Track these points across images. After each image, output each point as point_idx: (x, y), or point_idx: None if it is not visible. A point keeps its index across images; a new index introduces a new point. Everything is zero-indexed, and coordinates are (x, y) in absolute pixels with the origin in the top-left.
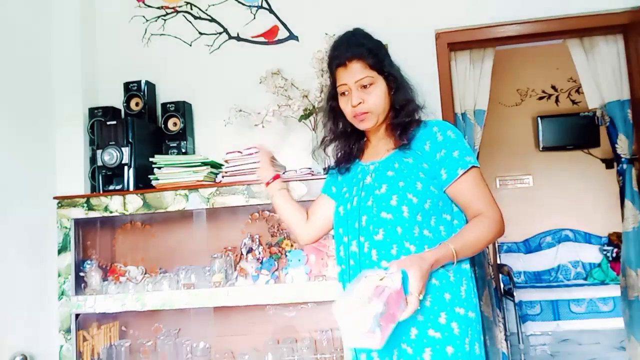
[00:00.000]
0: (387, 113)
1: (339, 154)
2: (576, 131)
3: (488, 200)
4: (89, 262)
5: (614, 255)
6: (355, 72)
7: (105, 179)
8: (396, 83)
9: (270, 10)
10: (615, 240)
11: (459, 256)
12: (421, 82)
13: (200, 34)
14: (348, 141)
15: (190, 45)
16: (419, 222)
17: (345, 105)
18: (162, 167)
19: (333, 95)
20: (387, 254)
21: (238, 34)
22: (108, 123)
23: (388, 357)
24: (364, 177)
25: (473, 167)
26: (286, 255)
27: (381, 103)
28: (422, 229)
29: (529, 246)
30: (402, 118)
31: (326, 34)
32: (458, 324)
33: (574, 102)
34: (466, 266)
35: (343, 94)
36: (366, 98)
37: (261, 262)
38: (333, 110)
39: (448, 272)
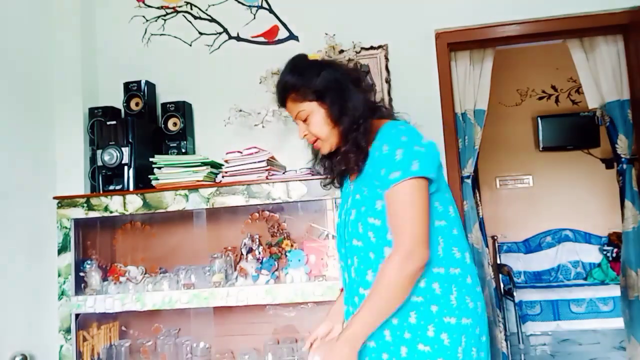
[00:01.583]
0: (338, 131)
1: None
2: (576, 131)
3: (399, 227)
4: (89, 262)
5: (614, 255)
6: (292, 109)
7: (105, 179)
8: (331, 104)
9: (270, 10)
10: (615, 240)
11: (366, 332)
12: (421, 82)
13: (200, 34)
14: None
15: (190, 45)
16: (388, 242)
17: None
18: (162, 167)
19: None
20: (362, 280)
21: (238, 34)
22: (108, 123)
23: None
24: (347, 200)
25: (397, 184)
26: (286, 255)
27: (324, 129)
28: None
29: (529, 246)
30: (346, 151)
31: (326, 34)
32: (449, 334)
33: (574, 102)
34: (455, 270)
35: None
36: (309, 129)
37: (261, 262)
38: None
39: (433, 285)
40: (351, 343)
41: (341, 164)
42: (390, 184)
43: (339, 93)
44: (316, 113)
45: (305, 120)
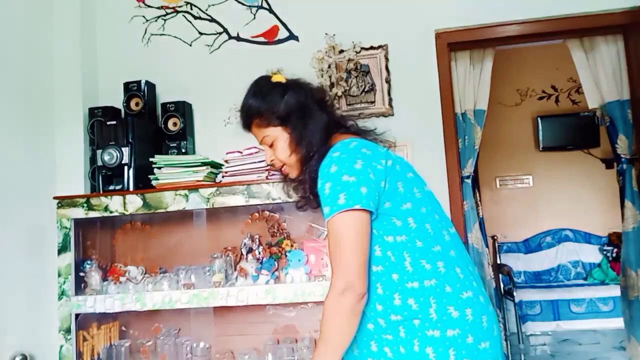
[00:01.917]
0: (301, 154)
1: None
2: (576, 131)
3: (334, 265)
4: (89, 262)
5: (614, 255)
6: (256, 135)
7: (105, 179)
8: (293, 128)
9: (270, 10)
10: (615, 240)
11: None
12: (421, 82)
13: (200, 34)
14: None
15: (190, 45)
16: (380, 272)
17: None
18: (162, 167)
19: None
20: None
21: (238, 34)
22: (108, 123)
23: None
24: None
25: (328, 221)
26: (286, 255)
27: (288, 154)
28: (389, 274)
29: (529, 246)
30: (302, 180)
31: (326, 34)
32: (433, 348)
33: (574, 102)
34: (430, 282)
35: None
36: (274, 154)
37: (261, 262)
38: None
39: (408, 301)
40: None
41: (298, 192)
42: (326, 218)
43: (301, 117)
44: (281, 138)
45: (271, 145)
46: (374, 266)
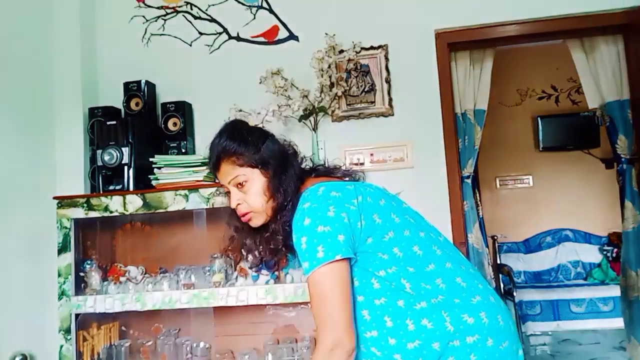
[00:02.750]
0: (272, 206)
1: (262, 252)
2: (576, 131)
3: (319, 321)
4: (89, 262)
5: (614, 255)
6: (226, 174)
7: (105, 179)
8: (272, 174)
9: (270, 10)
10: (615, 240)
11: None
12: (421, 82)
13: (200, 34)
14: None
15: (190, 45)
16: (379, 315)
17: (232, 205)
18: (162, 167)
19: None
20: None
21: (238, 34)
22: (108, 123)
23: None
24: None
25: (308, 277)
26: (286, 256)
27: (261, 200)
28: (384, 312)
29: (529, 246)
30: (275, 230)
31: (326, 34)
32: (455, 356)
33: (574, 102)
34: (437, 300)
35: (227, 193)
36: (244, 197)
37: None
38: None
39: (422, 322)
40: None
41: (269, 242)
42: (306, 274)
43: (280, 165)
44: (256, 181)
45: (240, 187)
46: (376, 300)
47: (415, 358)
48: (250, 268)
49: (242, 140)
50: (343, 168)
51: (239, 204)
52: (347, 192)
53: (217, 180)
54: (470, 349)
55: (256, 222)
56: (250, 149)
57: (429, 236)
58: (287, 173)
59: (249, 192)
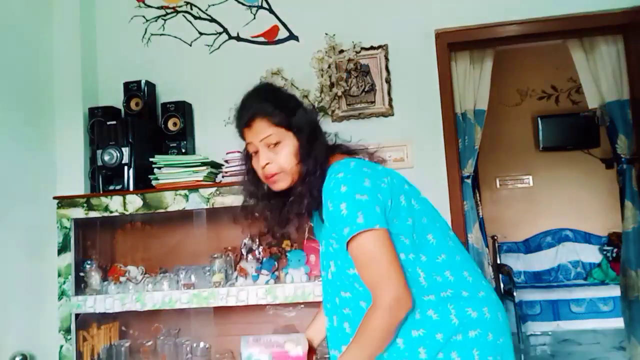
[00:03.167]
0: (300, 170)
1: (271, 220)
2: (576, 131)
3: (371, 282)
4: (89, 262)
5: (614, 255)
6: (260, 131)
7: (105, 179)
8: (305, 139)
9: (270, 10)
10: (615, 240)
11: None
12: (421, 82)
13: (200, 34)
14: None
15: (190, 45)
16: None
17: (256, 166)
18: (162, 167)
19: (247, 155)
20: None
21: (238, 34)
22: (108, 123)
23: None
24: (320, 239)
25: (350, 241)
26: (286, 256)
27: (291, 162)
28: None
29: (529, 246)
30: (301, 193)
31: (326, 34)
32: (458, 351)
33: (574, 102)
34: (446, 293)
35: (254, 153)
36: (274, 158)
37: (261, 262)
38: (251, 171)
39: (428, 313)
40: None
41: (293, 206)
42: (344, 240)
43: (312, 132)
44: (289, 143)
45: (271, 147)
46: None
47: (417, 346)
48: (259, 237)
49: (280, 101)
50: (367, 150)
51: (268, 164)
52: (377, 169)
53: (245, 140)
54: (472, 343)
55: (281, 184)
56: (286, 112)
57: (442, 227)
58: (318, 141)
59: (281, 153)
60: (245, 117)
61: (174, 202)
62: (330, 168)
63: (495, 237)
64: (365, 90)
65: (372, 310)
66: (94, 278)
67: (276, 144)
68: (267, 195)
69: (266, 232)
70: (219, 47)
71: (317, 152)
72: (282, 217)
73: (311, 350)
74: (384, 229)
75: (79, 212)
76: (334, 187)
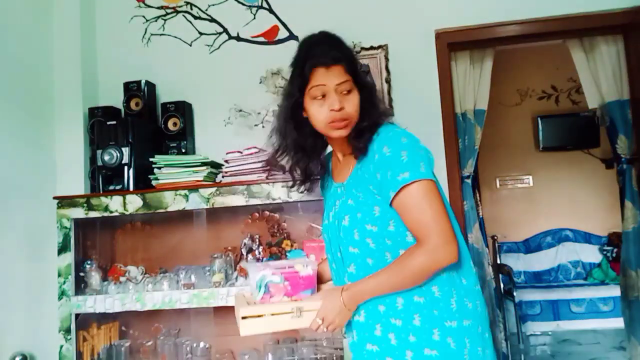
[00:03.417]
0: (366, 121)
1: (300, 171)
2: (576, 131)
3: (425, 224)
4: (89, 262)
5: (614, 255)
6: (337, 75)
7: (105, 179)
8: (368, 93)
9: (270, 10)
10: (615, 240)
11: (371, 295)
12: (421, 82)
13: (200, 34)
14: (310, 155)
15: (190, 45)
16: (389, 246)
17: (318, 109)
18: (162, 167)
19: (297, 99)
20: None
21: (238, 34)
22: (108, 123)
23: None
24: (334, 202)
25: (407, 185)
26: (286, 256)
27: (357, 111)
28: (396, 249)
29: (529, 246)
30: (364, 126)
31: None
32: (453, 338)
33: (574, 102)
34: (453, 273)
35: (320, 97)
36: (346, 105)
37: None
38: (295, 117)
39: (432, 288)
40: (353, 299)
41: (357, 141)
42: (399, 184)
43: (371, 92)
44: (355, 95)
45: (343, 94)
46: (401, 250)
47: (414, 312)
48: (292, 186)
49: (351, 52)
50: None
51: (342, 108)
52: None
53: (310, 80)
54: (465, 332)
55: (345, 132)
56: (358, 66)
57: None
58: (377, 101)
59: (351, 102)
60: (326, 57)
61: (174, 202)
62: (383, 127)
63: (495, 237)
64: None
65: (416, 248)
66: (94, 278)
67: (348, 92)
68: (305, 146)
69: (304, 178)
70: (219, 47)
71: (376, 111)
72: (314, 165)
73: (319, 282)
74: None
75: (79, 212)
76: (394, 137)
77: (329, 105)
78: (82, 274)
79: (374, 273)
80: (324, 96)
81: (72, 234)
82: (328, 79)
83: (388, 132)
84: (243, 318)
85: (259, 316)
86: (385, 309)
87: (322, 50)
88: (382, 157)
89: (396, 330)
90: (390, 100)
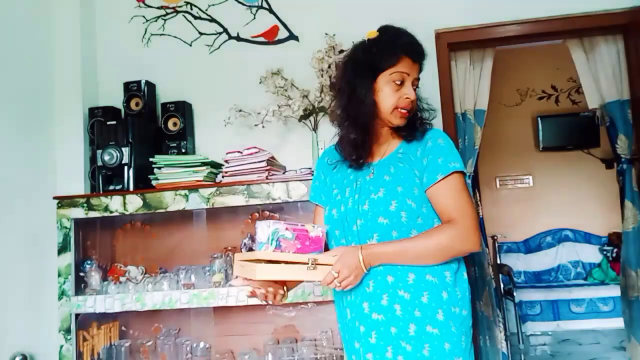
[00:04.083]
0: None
1: (349, 148)
2: (576, 131)
3: (462, 209)
4: (89, 262)
5: (614, 255)
6: (417, 71)
7: (105, 179)
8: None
9: (270, 10)
10: (615, 240)
11: (389, 260)
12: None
13: (200, 34)
14: (362, 135)
15: (190, 45)
16: (418, 225)
17: (391, 94)
18: (162, 167)
19: (372, 82)
20: None
21: (238, 34)
22: (108, 123)
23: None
24: (357, 179)
25: (455, 173)
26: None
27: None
28: (423, 229)
29: (529, 246)
30: (420, 117)
31: (326, 34)
32: (454, 322)
33: (574, 102)
34: (461, 264)
35: (400, 82)
36: (414, 97)
37: None
38: (364, 99)
39: (445, 272)
40: (372, 257)
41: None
42: (450, 169)
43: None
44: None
45: (414, 87)
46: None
47: (424, 289)
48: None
49: None
50: None
51: (414, 100)
52: None
53: (396, 67)
54: (464, 320)
55: (405, 120)
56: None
57: None
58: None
59: (416, 95)
60: (420, 53)
61: (174, 202)
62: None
63: (495, 237)
64: None
65: (447, 226)
66: (94, 278)
67: (416, 87)
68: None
69: (352, 153)
70: (219, 47)
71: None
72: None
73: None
74: None
75: (79, 212)
76: (443, 135)
77: (406, 93)
78: (82, 274)
79: (397, 239)
80: (402, 82)
81: (72, 234)
82: (412, 70)
83: (437, 131)
84: (257, 261)
85: (277, 262)
86: (393, 280)
87: (417, 46)
88: (435, 144)
89: (403, 303)
90: None
